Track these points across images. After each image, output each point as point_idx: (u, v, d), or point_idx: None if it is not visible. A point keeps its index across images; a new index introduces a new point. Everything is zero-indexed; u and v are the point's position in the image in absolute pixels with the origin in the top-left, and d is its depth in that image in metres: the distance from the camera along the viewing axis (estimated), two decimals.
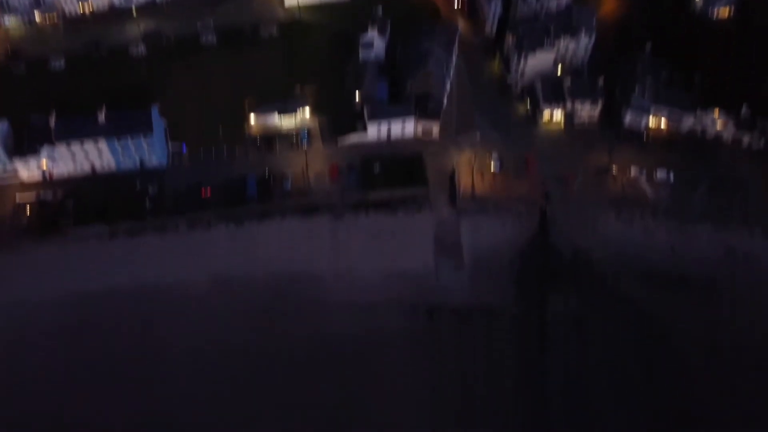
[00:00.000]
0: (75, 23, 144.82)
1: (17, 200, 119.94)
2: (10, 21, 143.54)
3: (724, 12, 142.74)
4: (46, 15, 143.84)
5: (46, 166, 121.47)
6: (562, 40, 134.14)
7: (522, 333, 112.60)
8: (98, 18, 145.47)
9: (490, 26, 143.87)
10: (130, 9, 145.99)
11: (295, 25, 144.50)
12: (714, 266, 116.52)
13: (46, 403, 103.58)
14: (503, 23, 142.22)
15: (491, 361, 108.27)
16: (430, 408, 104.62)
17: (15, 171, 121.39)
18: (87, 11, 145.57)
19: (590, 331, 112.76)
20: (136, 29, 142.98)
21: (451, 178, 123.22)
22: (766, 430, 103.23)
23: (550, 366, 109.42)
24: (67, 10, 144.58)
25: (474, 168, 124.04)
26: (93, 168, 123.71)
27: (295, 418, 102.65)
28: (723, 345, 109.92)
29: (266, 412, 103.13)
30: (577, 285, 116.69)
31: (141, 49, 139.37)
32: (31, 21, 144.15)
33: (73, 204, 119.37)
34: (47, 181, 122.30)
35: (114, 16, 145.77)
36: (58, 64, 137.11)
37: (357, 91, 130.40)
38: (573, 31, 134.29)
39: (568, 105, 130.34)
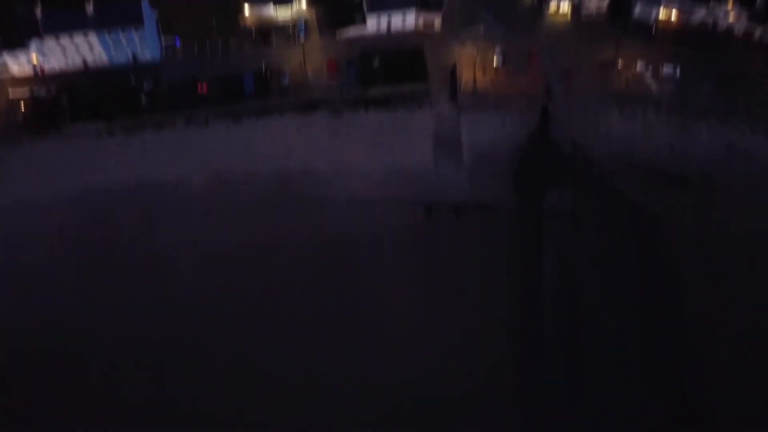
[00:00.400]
0: None
1: (10, 96, 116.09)
2: None
3: None
4: None
5: (37, 60, 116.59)
6: None
7: (518, 228, 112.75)
8: None
9: None
10: None
11: None
12: (713, 164, 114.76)
13: (47, 301, 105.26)
14: None
15: (487, 256, 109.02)
16: (424, 304, 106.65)
17: (5, 65, 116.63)
18: None
19: (585, 226, 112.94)
20: None
21: (452, 74, 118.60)
22: (759, 325, 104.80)
23: (545, 262, 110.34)
24: None
25: (476, 63, 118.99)
26: (85, 62, 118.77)
27: (293, 314, 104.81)
28: (717, 239, 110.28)
29: (267, 308, 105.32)
30: (575, 181, 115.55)
31: None
32: None
33: (67, 100, 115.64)
34: (39, 76, 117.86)
35: None
36: None
37: None
38: None
39: None
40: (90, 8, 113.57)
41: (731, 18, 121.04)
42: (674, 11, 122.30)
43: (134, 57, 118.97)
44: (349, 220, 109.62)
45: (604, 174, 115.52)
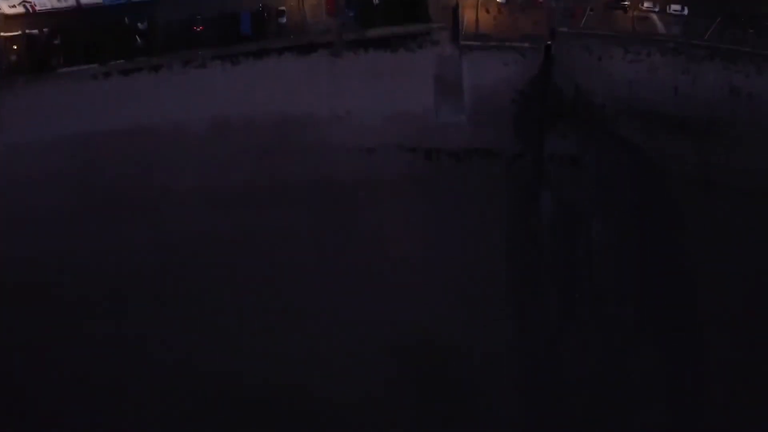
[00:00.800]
0: None
1: (2, 33, 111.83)
2: None
3: None
4: None
5: None
6: None
7: (519, 173, 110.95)
8: None
9: None
10: None
11: None
12: (716, 107, 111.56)
13: (49, 244, 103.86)
14: None
15: (488, 201, 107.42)
16: (425, 248, 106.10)
17: None
18: None
19: (586, 170, 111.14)
20: None
21: (454, 12, 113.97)
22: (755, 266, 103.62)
23: (545, 205, 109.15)
24: None
25: (479, 1, 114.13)
26: (78, 1, 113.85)
27: (293, 258, 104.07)
28: (718, 183, 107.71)
29: (266, 252, 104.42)
30: (577, 125, 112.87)
31: None
32: None
33: (61, 41, 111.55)
34: (31, 14, 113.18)
35: None
36: None
37: None
38: None
39: None
40: None
41: None
42: None
43: None
44: (349, 165, 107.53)
45: (606, 118, 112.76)
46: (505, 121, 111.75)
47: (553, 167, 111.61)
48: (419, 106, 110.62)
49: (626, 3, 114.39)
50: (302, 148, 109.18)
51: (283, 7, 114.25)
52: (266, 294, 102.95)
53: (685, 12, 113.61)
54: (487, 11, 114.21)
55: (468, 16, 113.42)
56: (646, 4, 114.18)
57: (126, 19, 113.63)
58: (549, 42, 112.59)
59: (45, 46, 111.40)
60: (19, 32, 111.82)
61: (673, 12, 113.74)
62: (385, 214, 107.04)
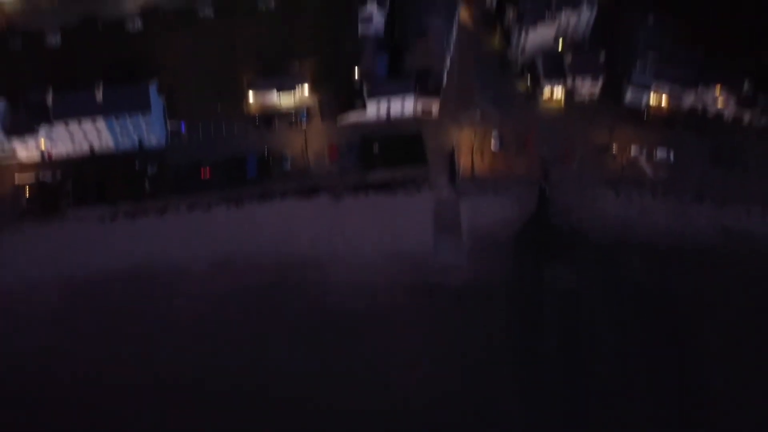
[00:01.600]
0: None
1: (16, 181, 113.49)
2: None
3: None
4: None
5: (45, 146, 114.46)
6: (563, 14, 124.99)
7: (520, 309, 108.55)
8: None
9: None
10: None
11: None
12: (710, 245, 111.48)
13: (50, 382, 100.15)
14: None
15: (489, 338, 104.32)
16: (428, 387, 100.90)
17: (13, 151, 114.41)
18: None
19: (586, 304, 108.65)
20: (132, 3, 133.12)
21: (451, 157, 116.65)
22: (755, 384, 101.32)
23: (547, 341, 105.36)
24: None
25: (474, 146, 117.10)
26: (91, 148, 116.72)
27: (296, 390, 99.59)
28: (716, 314, 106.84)
29: (267, 388, 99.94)
30: (575, 262, 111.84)
31: (137, 23, 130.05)
32: None
33: (72, 184, 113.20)
34: (46, 162, 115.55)
35: None
36: (55, 39, 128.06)
37: (356, 67, 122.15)
38: (574, 4, 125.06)
39: (569, 81, 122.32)
40: (100, 95, 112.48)
41: (720, 103, 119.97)
42: (664, 96, 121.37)
43: (140, 142, 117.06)
44: (350, 303, 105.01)
45: (603, 255, 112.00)
46: (504, 260, 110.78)
47: (553, 301, 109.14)
48: (419, 246, 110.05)
49: (614, 148, 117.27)
50: (303, 286, 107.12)
51: (287, 152, 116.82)
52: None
53: (672, 157, 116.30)
54: (482, 156, 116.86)
55: (464, 161, 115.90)
56: (633, 150, 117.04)
57: (136, 163, 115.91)
58: (543, 185, 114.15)
59: (56, 190, 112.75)
60: (33, 177, 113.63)
61: (659, 157, 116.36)
62: (384, 349, 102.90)
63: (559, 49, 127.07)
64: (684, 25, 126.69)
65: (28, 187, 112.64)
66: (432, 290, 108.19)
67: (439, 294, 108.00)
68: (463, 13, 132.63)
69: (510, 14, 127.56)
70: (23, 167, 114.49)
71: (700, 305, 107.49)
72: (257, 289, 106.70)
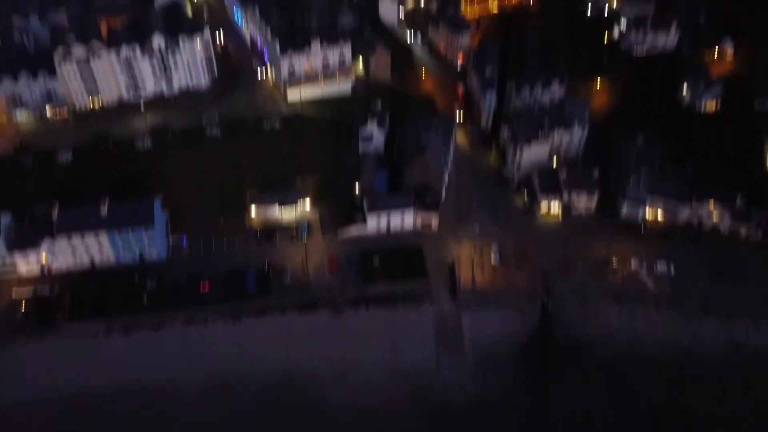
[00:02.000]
0: (84, 117, 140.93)
1: (13, 296, 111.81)
2: (22, 115, 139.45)
3: (711, 105, 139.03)
4: (57, 109, 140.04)
5: (46, 260, 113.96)
6: (556, 133, 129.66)
7: (525, 426, 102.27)
8: (107, 112, 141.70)
9: (486, 119, 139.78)
10: (139, 103, 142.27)
11: (297, 118, 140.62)
12: (721, 359, 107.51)
13: None
14: (498, 116, 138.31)
15: None
16: None
17: (13, 265, 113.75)
18: (96, 106, 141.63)
19: (595, 423, 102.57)
20: (143, 123, 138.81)
21: (451, 271, 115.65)
22: None
23: None
24: (77, 105, 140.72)
25: (474, 260, 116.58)
26: (92, 262, 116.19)
27: None
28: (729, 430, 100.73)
29: None
30: (582, 379, 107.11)
31: (147, 141, 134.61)
32: (42, 115, 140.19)
33: (69, 299, 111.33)
34: (45, 276, 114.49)
35: (122, 110, 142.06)
36: (66, 157, 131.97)
37: (357, 183, 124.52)
38: (566, 124, 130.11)
39: (565, 196, 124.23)
40: (105, 209, 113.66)
41: (715, 217, 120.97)
42: (659, 211, 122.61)
43: (141, 256, 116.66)
44: (351, 426, 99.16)
45: (610, 371, 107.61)
46: (509, 378, 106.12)
47: (561, 420, 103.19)
48: (421, 363, 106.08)
49: (614, 262, 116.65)
50: (301, 406, 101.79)
51: (287, 266, 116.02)
52: None
53: (672, 271, 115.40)
54: (483, 270, 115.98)
55: (465, 274, 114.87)
56: (633, 264, 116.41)
57: (136, 277, 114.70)
58: (545, 299, 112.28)
59: (52, 304, 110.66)
60: (30, 292, 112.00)
61: (660, 271, 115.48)
62: None
63: (554, 166, 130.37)
64: (672, 143, 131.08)
65: (25, 302, 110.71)
66: (434, 413, 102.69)
67: (441, 417, 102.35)
68: (460, 133, 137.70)
69: (504, 133, 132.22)
70: (22, 281, 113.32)
71: (713, 422, 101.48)
72: (253, 408, 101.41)
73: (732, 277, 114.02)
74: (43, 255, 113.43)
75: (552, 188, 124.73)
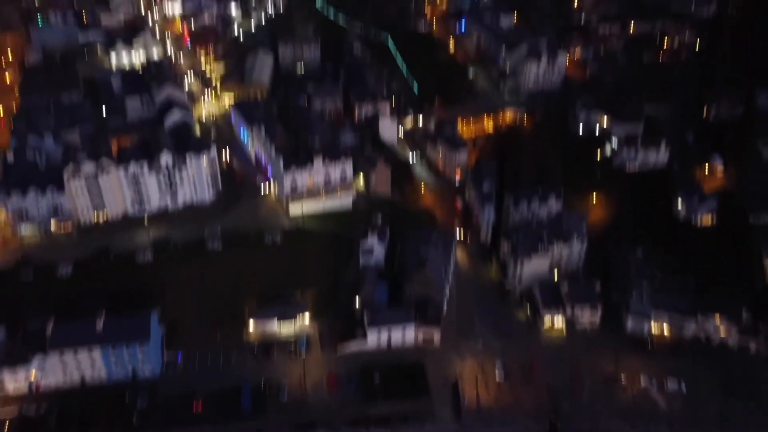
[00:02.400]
0: (88, 231, 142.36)
1: None
2: (27, 229, 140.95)
3: (707, 219, 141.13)
4: (62, 223, 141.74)
5: (35, 377, 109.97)
6: (555, 246, 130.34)
7: None
8: (111, 226, 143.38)
9: (485, 233, 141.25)
10: (143, 217, 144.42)
11: (298, 231, 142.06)
12: None
13: None
14: (497, 230, 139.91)
15: None
16: None
17: (1, 382, 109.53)
18: (101, 220, 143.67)
19: None
20: (145, 236, 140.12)
21: (455, 389, 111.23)
22: None
23: None
24: (82, 219, 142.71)
25: (477, 377, 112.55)
26: (82, 378, 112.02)
27: None
28: None
29: None
30: None
31: (148, 255, 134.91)
32: (47, 229, 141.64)
33: (56, 419, 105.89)
34: (32, 394, 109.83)
35: (126, 223, 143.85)
36: (66, 270, 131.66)
37: (357, 297, 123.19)
38: (565, 237, 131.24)
39: (568, 310, 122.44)
40: (100, 324, 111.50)
41: (722, 332, 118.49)
42: (665, 325, 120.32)
43: (134, 373, 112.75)
44: None
45: None
46: None
47: None
48: None
49: (622, 378, 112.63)
50: None
51: (285, 382, 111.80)
52: None
53: (683, 388, 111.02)
54: (487, 387, 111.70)
55: (468, 392, 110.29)
56: (642, 380, 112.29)
57: (127, 395, 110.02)
58: (554, 419, 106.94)
59: (38, 425, 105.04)
60: (16, 411, 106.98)
61: (671, 388, 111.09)
62: None
63: (555, 279, 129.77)
64: (672, 256, 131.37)
65: (9, 422, 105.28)
66: None
67: None
68: (460, 246, 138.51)
69: (504, 247, 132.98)
70: (7, 400, 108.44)
71: None
72: None
73: (745, 394, 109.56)
74: (33, 372, 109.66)
75: (554, 302, 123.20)
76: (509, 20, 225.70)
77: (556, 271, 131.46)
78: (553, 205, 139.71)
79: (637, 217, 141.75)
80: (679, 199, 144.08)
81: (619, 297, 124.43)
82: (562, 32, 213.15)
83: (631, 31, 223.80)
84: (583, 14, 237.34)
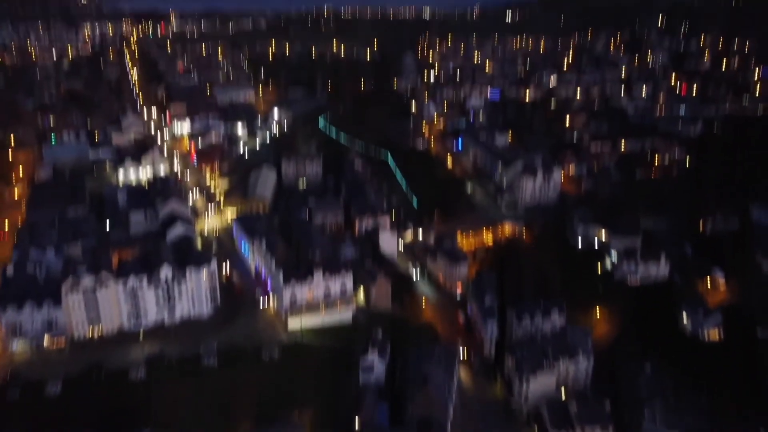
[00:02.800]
0: (81, 346, 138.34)
1: None
2: (18, 345, 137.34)
3: (714, 334, 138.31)
4: (55, 339, 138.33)
5: None
6: (561, 362, 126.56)
7: None
8: (105, 341, 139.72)
9: (489, 348, 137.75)
10: (138, 332, 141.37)
11: (296, 346, 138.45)
12: None
13: None
14: (501, 345, 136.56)
15: None
16: None
17: None
18: (95, 335, 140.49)
19: None
20: (139, 352, 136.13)
21: None
22: None
23: None
24: (76, 334, 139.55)
25: None
26: None
27: None
28: None
29: None
30: None
31: (141, 372, 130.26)
32: (39, 345, 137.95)
33: None
34: None
35: (121, 338, 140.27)
36: (55, 388, 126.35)
37: (356, 417, 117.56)
38: (571, 353, 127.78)
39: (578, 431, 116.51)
40: None
41: None
42: None
43: None
44: None
45: None
46: None
47: None
48: None
49: None
50: None
51: None
52: None
53: None
54: None
55: None
56: None
57: None
58: None
59: None
60: None
61: None
62: None
63: (563, 397, 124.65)
64: (682, 373, 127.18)
65: None
66: None
67: None
68: (463, 362, 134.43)
69: (509, 363, 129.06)
70: None
71: None
72: None
73: None
74: None
75: (564, 423, 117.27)
76: (504, 139, 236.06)
77: (563, 388, 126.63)
78: (557, 319, 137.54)
79: (643, 332, 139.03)
80: (684, 314, 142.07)
81: (630, 416, 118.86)
82: (555, 150, 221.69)
83: (622, 149, 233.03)
84: (575, 133, 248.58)
